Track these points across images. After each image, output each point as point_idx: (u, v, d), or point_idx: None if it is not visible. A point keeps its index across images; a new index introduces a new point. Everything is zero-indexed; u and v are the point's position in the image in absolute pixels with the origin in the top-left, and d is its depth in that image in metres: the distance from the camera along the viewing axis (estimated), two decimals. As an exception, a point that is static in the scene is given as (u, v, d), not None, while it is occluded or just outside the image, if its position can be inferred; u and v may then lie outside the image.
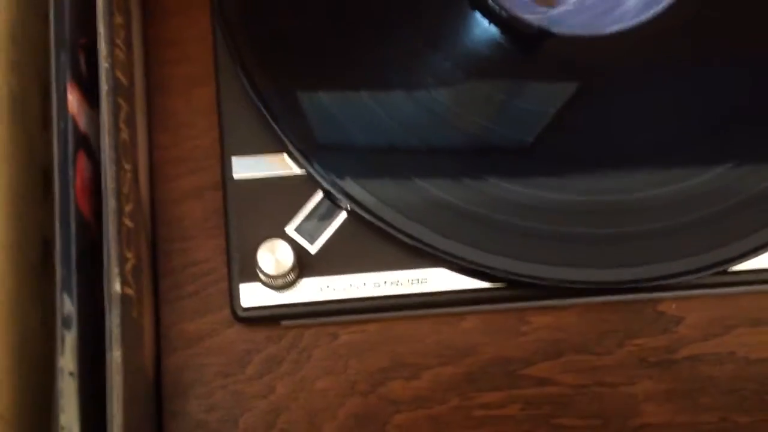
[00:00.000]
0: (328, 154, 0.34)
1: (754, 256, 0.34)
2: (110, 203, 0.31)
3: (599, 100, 0.36)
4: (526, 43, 0.37)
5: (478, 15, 0.37)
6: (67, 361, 0.30)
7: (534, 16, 0.37)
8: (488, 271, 0.33)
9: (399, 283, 0.34)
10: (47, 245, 0.35)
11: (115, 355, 0.30)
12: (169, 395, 0.35)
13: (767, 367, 0.36)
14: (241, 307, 0.34)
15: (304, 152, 0.34)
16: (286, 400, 0.35)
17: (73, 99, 0.32)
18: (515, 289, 0.34)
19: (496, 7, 0.37)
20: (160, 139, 0.37)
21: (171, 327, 0.36)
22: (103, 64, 0.31)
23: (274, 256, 0.32)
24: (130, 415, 0.31)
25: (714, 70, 0.36)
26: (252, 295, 0.34)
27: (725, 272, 0.35)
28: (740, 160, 0.35)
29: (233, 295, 0.34)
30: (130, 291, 0.32)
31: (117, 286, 0.31)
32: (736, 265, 0.34)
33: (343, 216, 0.34)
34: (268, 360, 0.36)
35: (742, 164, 0.35)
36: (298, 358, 0.36)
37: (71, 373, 0.30)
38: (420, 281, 0.34)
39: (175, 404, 0.35)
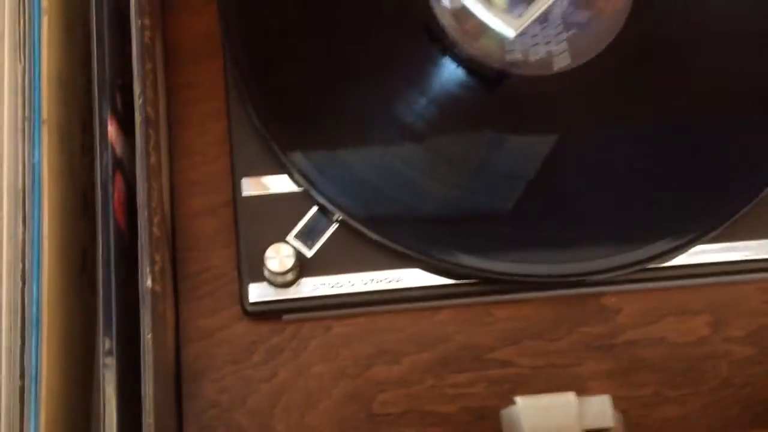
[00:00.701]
0: (323, 176, 0.41)
1: (675, 256, 0.41)
2: (143, 214, 0.38)
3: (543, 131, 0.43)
4: (488, 83, 0.45)
5: (448, 59, 0.44)
6: (106, 344, 0.37)
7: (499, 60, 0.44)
8: (457, 269, 0.40)
9: (382, 281, 0.41)
10: (85, 253, 0.42)
11: (147, 338, 0.37)
12: (187, 379, 0.41)
13: (692, 350, 0.42)
14: (249, 302, 0.41)
15: (304, 174, 0.41)
16: (287, 382, 0.42)
17: (112, 130, 0.39)
18: (480, 285, 0.41)
19: (462, 53, 0.44)
20: (180, 165, 0.44)
21: (189, 322, 0.42)
22: (138, 101, 0.38)
23: (279, 257, 0.39)
24: (159, 389, 0.37)
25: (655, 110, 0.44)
26: (258, 293, 0.41)
27: (655, 269, 0.42)
28: (665, 172, 0.42)
29: (243, 293, 0.41)
30: (158, 288, 0.38)
31: (149, 282, 0.37)
32: (662, 262, 0.41)
33: (334, 226, 0.41)
34: (272, 349, 0.42)
35: (663, 176, 0.42)
36: (297, 347, 0.42)
37: (110, 353, 0.36)
38: (398, 280, 0.41)
39: (192, 387, 0.41)
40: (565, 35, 0.43)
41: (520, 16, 0.40)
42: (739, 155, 0.42)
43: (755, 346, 0.43)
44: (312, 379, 0.42)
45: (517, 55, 0.43)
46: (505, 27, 0.40)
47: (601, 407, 0.32)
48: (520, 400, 0.32)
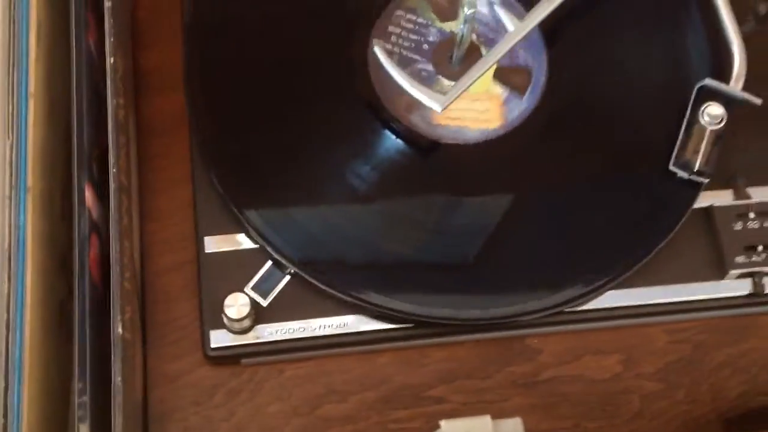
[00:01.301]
0: (276, 233, 0.47)
1: (588, 300, 0.46)
2: (116, 270, 0.43)
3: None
4: (422, 151, 0.50)
5: (388, 132, 0.50)
6: (80, 386, 0.41)
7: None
8: (394, 315, 0.45)
9: (329, 327, 0.46)
10: (63, 305, 0.46)
11: (117, 381, 0.41)
12: (153, 419, 0.46)
13: (607, 385, 0.48)
14: (210, 347, 0.45)
15: (259, 232, 0.46)
16: (244, 421, 0.46)
17: (88, 195, 0.44)
18: (416, 329, 0.46)
19: (400, 126, 0.50)
20: (150, 226, 0.49)
21: (156, 367, 0.47)
22: (112, 171, 0.44)
23: (236, 305, 0.44)
24: (127, 427, 0.41)
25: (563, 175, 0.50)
26: (218, 339, 0.46)
27: (572, 312, 0.47)
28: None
29: (204, 339, 0.46)
30: (128, 335, 0.43)
31: (120, 330, 0.42)
32: (578, 306, 0.47)
33: (287, 278, 0.46)
34: (231, 391, 0.47)
35: (578, 229, 0.48)
36: (254, 388, 0.47)
37: (83, 393, 0.41)
38: (344, 325, 0.46)
39: (158, 426, 0.46)
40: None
41: (445, 93, 0.46)
42: (642, 210, 0.48)
43: (663, 382, 0.48)
44: (267, 417, 0.46)
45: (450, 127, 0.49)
46: (432, 102, 0.46)
47: (513, 428, 0.37)
48: (444, 423, 0.37)
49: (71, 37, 0.47)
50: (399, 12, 0.51)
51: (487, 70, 0.46)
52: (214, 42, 0.50)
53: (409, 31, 0.51)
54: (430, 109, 0.47)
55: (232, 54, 0.50)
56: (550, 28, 0.50)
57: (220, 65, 0.50)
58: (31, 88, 0.45)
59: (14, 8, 0.46)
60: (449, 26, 0.51)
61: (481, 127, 0.49)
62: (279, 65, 0.50)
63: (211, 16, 0.51)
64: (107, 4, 0.47)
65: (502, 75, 0.50)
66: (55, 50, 0.48)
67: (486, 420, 0.37)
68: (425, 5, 0.51)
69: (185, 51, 0.50)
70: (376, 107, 0.49)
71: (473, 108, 0.50)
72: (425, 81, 0.49)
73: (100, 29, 0.47)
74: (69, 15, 0.47)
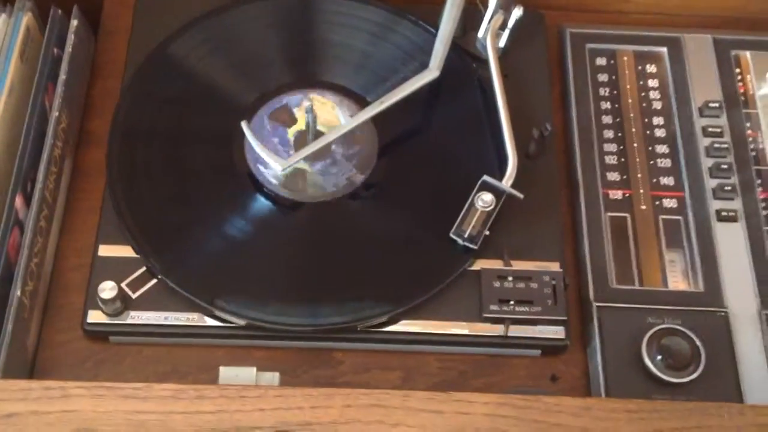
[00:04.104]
0: (150, 248, 0.63)
1: (380, 322, 0.62)
2: (24, 252, 0.59)
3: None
4: (287, 209, 0.67)
5: (259, 195, 0.67)
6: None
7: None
8: (228, 317, 0.61)
9: (179, 320, 0.61)
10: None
11: (8, 328, 0.57)
12: (37, 372, 0.61)
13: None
14: (87, 323, 0.61)
15: (139, 246, 0.63)
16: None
17: (18, 200, 0.61)
18: (246, 330, 0.62)
19: (272, 192, 0.67)
20: (65, 237, 0.66)
21: (47, 337, 0.62)
22: (38, 185, 0.61)
23: (107, 290, 0.60)
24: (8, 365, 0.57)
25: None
26: (94, 317, 0.61)
27: (367, 332, 0.62)
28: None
29: (84, 317, 0.61)
30: (25, 301, 0.59)
31: (18, 292, 0.58)
32: (370, 325, 0.62)
33: (154, 281, 0.62)
34: (99, 361, 0.62)
35: (377, 271, 0.64)
36: (116, 361, 0.62)
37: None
38: (193, 319, 0.61)
39: (41, 377, 0.60)
40: (351, 165, 0.66)
41: (287, 157, 0.64)
42: (429, 262, 0.64)
43: (431, 396, 0.62)
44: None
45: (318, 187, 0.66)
46: (275, 163, 0.63)
47: (271, 379, 0.52)
48: (222, 369, 0.52)
49: (32, 96, 0.66)
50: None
51: (322, 146, 0.64)
52: (131, 130, 0.68)
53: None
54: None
55: (141, 134, 0.68)
56: (382, 123, 0.68)
57: (132, 142, 0.68)
58: (-5, 123, 0.64)
59: (-5, 72, 0.66)
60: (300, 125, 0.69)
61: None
62: (174, 143, 0.68)
63: (132, 117, 0.68)
64: (62, 77, 0.66)
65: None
66: (20, 104, 0.67)
67: (252, 370, 0.52)
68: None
69: (110, 131, 0.68)
70: (256, 177, 0.67)
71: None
72: (280, 153, 0.67)
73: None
74: (33, 81, 0.66)
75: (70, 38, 0.68)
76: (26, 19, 0.68)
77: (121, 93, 0.70)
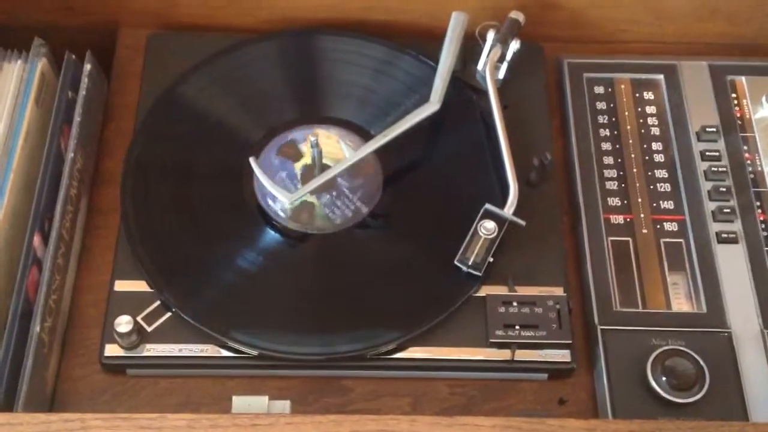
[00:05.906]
0: (164, 284, 0.65)
1: (390, 349, 0.63)
2: (43, 288, 0.61)
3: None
4: (296, 241, 0.69)
5: (268, 228, 0.69)
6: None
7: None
8: (241, 347, 0.62)
9: (193, 351, 0.63)
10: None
11: (28, 364, 0.59)
12: (57, 405, 0.62)
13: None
14: (104, 356, 0.63)
15: (154, 282, 0.65)
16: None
17: (36, 239, 0.63)
18: (258, 360, 0.63)
19: (280, 225, 0.69)
20: (83, 274, 0.68)
21: (66, 371, 0.64)
22: (56, 224, 0.63)
23: (123, 323, 0.62)
24: (29, 397, 0.58)
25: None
26: (111, 351, 0.63)
27: (377, 359, 0.63)
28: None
29: (101, 350, 0.63)
30: (44, 337, 0.61)
31: (37, 328, 0.60)
32: (380, 352, 0.63)
33: (169, 314, 0.64)
34: (116, 393, 0.63)
35: (387, 302, 0.65)
36: (133, 393, 0.63)
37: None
38: (206, 351, 0.63)
39: (60, 410, 0.62)
40: (356, 197, 0.68)
41: (295, 191, 0.66)
42: (434, 289, 0.65)
43: (441, 421, 0.63)
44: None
45: (326, 219, 0.68)
46: (282, 197, 0.65)
47: (282, 407, 0.53)
48: (235, 398, 0.53)
49: (48, 138, 0.68)
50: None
51: (327, 179, 0.66)
52: (144, 168, 0.70)
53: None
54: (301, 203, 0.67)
55: (154, 172, 0.71)
56: (386, 155, 0.70)
57: (145, 180, 0.70)
58: (14, 165, 0.66)
59: (14, 117, 0.68)
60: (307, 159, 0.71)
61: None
62: (185, 181, 0.70)
63: (145, 156, 0.71)
64: (76, 119, 0.69)
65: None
66: (36, 147, 0.69)
67: (264, 399, 0.53)
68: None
69: (123, 170, 0.70)
70: (267, 212, 0.68)
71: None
72: (287, 186, 0.69)
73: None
74: (49, 124, 0.69)
75: (84, 82, 0.71)
76: (41, 65, 0.71)
77: (133, 133, 0.73)
